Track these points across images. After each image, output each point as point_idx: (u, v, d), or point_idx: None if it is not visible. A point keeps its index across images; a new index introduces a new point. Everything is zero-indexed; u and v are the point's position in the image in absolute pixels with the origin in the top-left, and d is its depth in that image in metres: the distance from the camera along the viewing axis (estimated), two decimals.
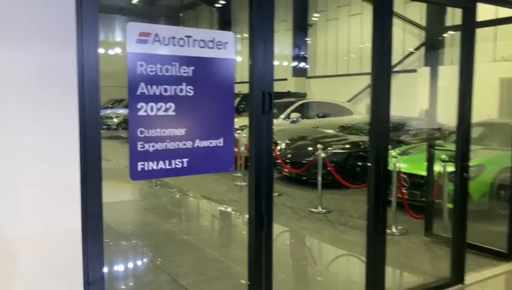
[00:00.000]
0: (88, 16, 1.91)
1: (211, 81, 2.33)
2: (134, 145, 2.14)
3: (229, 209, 6.67)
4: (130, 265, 4.57)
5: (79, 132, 1.91)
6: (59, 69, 1.86)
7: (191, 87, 2.27)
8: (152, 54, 2.15)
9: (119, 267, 4.47)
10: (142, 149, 2.16)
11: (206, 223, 6.50)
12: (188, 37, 2.25)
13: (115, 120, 16.16)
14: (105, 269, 4.21)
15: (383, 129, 3.04)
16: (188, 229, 5.79)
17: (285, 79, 18.18)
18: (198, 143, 2.32)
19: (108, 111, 16.94)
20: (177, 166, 2.26)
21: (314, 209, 6.26)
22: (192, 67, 2.27)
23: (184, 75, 2.25)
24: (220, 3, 21.28)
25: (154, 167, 2.20)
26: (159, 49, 2.17)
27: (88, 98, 1.94)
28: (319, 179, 6.31)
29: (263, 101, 2.46)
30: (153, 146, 2.19)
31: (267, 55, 2.48)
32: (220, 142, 2.38)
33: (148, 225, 5.86)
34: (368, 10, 15.11)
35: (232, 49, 2.38)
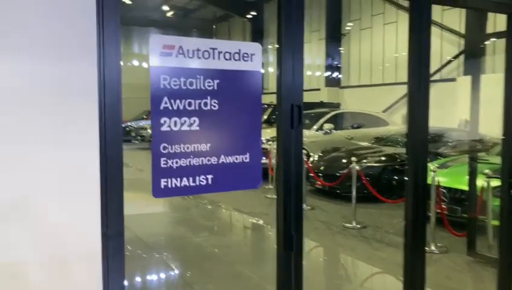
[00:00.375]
0: (109, 27, 1.86)
1: (236, 95, 2.23)
2: (157, 161, 2.07)
3: (260, 223, 6.55)
4: (159, 280, 4.52)
5: (99, 146, 1.85)
6: (79, 82, 1.82)
7: (216, 101, 2.18)
8: (176, 67, 2.09)
9: (147, 282, 4.42)
10: (165, 165, 2.08)
11: (236, 237, 6.40)
12: (213, 49, 2.17)
13: (149, 131, 16.41)
14: (134, 282, 4.18)
15: (421, 141, 2.86)
16: (218, 243, 5.70)
17: (318, 89, 17.98)
18: (224, 159, 2.22)
19: (143, 122, 17.23)
20: (201, 183, 2.17)
21: (348, 225, 6.04)
22: (217, 80, 2.19)
23: (209, 88, 2.17)
24: (252, 14, 21.40)
25: (178, 184, 2.12)
26: (183, 62, 2.10)
27: (109, 112, 1.89)
28: (354, 192, 6.10)
29: (292, 114, 2.34)
30: (177, 162, 2.11)
31: (296, 65, 2.36)
32: (246, 157, 2.28)
33: (179, 238, 5.81)
34: (404, 18, 14.77)
35: (259, 61, 2.28)
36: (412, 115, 2.82)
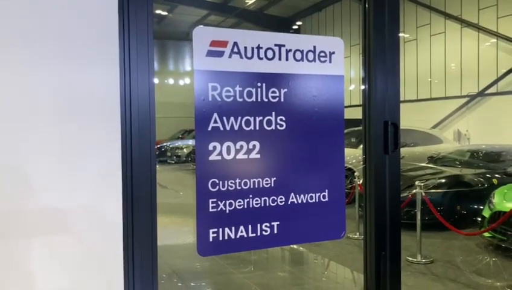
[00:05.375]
0: (141, 41, 1.32)
1: (311, 109, 1.62)
2: (204, 203, 1.47)
3: (330, 264, 5.83)
4: None
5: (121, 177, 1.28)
6: (99, 100, 1.26)
7: (283, 118, 1.57)
8: (229, 72, 1.50)
9: None
10: (214, 209, 1.48)
11: (289, 275, 5.70)
12: (280, 46, 1.57)
13: (185, 151, 16.06)
14: None
15: None
16: (265, 282, 5.03)
17: (360, 105, 17.16)
18: (294, 198, 1.60)
19: (179, 142, 16.94)
20: (264, 233, 1.55)
21: (412, 259, 5.24)
22: (285, 90, 1.58)
23: (273, 100, 1.56)
24: (293, 29, 21.04)
25: (232, 235, 1.50)
26: (239, 65, 1.51)
27: (136, 135, 1.32)
28: (418, 221, 5.31)
29: (385, 134, 1.70)
30: (231, 204, 1.50)
31: (391, 76, 1.73)
32: (324, 195, 1.64)
33: (219, 274, 5.18)
34: (452, 28, 13.85)
35: (340, 62, 1.66)
36: None
